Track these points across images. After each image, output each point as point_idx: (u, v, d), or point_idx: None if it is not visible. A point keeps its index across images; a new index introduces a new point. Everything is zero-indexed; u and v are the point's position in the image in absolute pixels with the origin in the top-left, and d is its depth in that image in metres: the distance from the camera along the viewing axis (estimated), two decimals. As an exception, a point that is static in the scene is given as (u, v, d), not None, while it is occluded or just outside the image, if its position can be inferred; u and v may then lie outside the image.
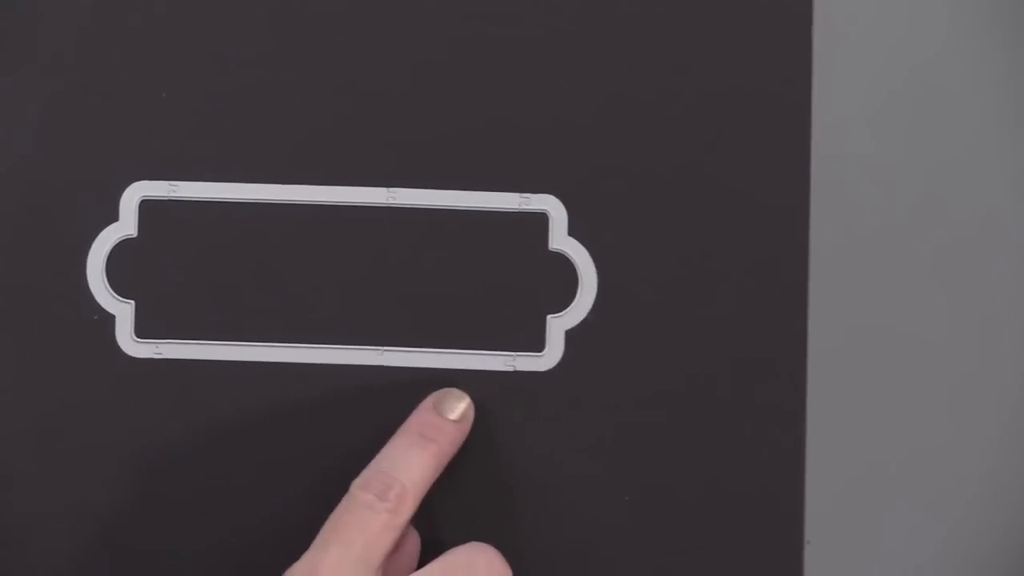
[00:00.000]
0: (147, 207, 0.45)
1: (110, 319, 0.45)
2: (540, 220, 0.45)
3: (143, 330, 0.45)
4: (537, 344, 0.45)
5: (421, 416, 0.44)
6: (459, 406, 0.44)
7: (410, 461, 0.42)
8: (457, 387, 0.45)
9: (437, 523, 0.45)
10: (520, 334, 0.45)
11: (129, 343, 0.45)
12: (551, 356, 0.45)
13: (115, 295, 0.45)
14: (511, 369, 0.45)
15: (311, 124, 0.46)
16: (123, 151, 0.45)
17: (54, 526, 0.45)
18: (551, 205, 0.45)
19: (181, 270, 0.45)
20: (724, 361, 0.45)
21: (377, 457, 0.43)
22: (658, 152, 0.46)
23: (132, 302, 0.45)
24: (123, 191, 0.45)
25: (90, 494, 0.45)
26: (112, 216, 0.45)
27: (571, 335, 0.45)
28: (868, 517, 0.46)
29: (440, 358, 0.45)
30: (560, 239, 0.45)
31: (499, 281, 0.45)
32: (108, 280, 0.45)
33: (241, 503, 0.45)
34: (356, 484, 0.42)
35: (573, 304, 0.45)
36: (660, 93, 0.46)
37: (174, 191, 0.45)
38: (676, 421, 0.45)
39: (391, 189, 0.45)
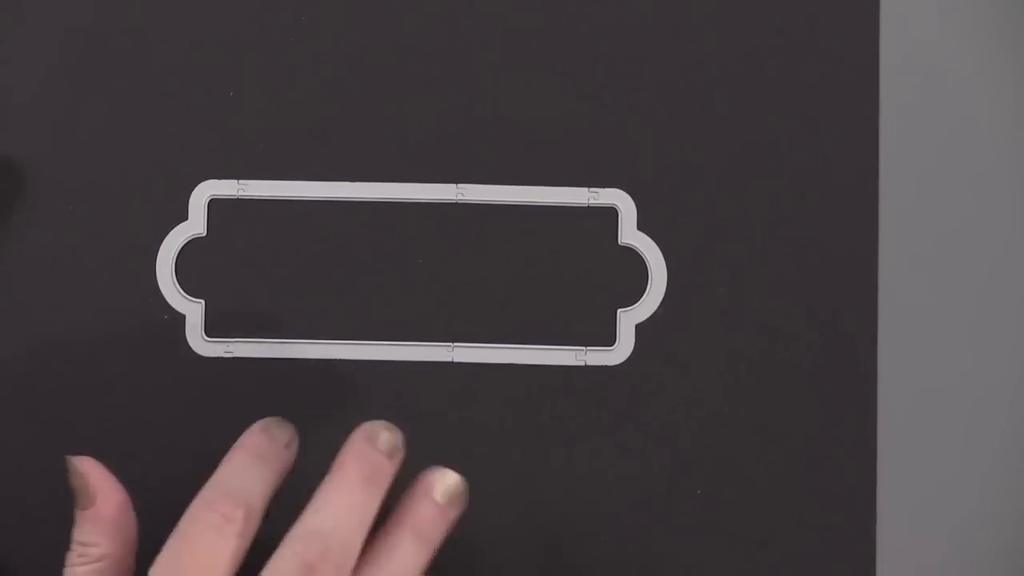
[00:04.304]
0: (216, 206, 0.46)
1: (180, 318, 0.45)
2: (609, 214, 0.46)
3: (213, 329, 0.45)
4: (608, 338, 0.45)
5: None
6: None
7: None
8: (528, 382, 0.45)
9: (507, 516, 0.45)
10: (590, 328, 0.45)
11: (199, 342, 0.45)
12: (622, 350, 0.45)
13: (185, 294, 0.45)
14: (582, 363, 0.45)
15: (379, 122, 0.46)
16: (192, 150, 0.46)
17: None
18: (620, 199, 0.46)
19: (250, 268, 0.45)
20: (794, 356, 0.45)
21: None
22: (725, 145, 0.46)
23: (202, 301, 0.45)
24: (192, 190, 0.46)
25: (161, 493, 0.44)
26: (181, 215, 0.45)
27: (641, 329, 0.45)
28: (940, 517, 0.46)
29: (510, 353, 0.45)
30: (630, 233, 0.45)
31: (569, 276, 0.45)
32: (178, 279, 0.45)
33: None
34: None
35: (643, 298, 0.45)
36: (727, 86, 0.46)
37: (243, 190, 0.46)
38: (747, 414, 0.45)
39: (459, 185, 0.46)
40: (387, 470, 0.39)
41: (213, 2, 0.46)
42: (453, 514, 0.39)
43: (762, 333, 0.45)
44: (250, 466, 0.39)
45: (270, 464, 0.40)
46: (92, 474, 0.40)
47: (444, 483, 0.40)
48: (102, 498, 0.40)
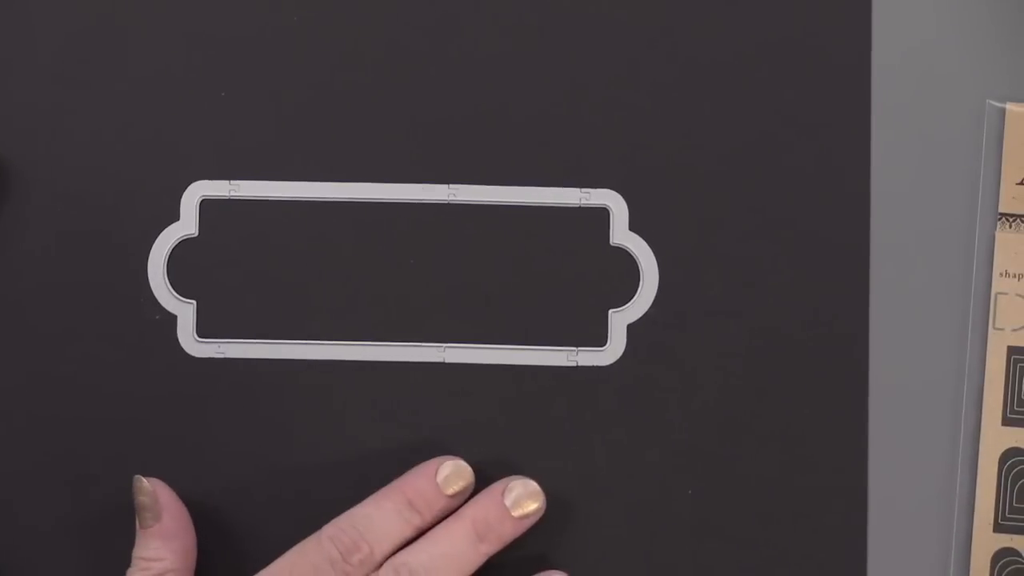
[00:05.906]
0: (207, 206, 0.46)
1: (171, 319, 0.45)
2: (601, 215, 0.46)
3: (205, 330, 0.45)
4: (599, 339, 0.45)
5: (419, 482, 0.42)
6: (460, 484, 0.43)
7: (388, 528, 0.41)
8: (519, 382, 0.45)
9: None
10: (582, 329, 0.45)
11: (191, 343, 0.45)
12: (613, 350, 0.45)
13: (176, 295, 0.45)
14: (573, 364, 0.45)
15: (371, 122, 0.46)
16: (183, 151, 0.46)
17: (118, 524, 0.45)
18: (612, 200, 0.46)
19: (242, 269, 0.45)
20: (785, 357, 0.45)
21: (358, 508, 0.42)
22: (717, 145, 0.46)
23: (193, 302, 0.45)
24: (183, 190, 0.46)
25: (153, 494, 0.45)
26: (173, 216, 0.45)
27: (633, 329, 0.45)
28: (932, 516, 0.46)
29: (502, 354, 0.45)
30: (621, 234, 0.45)
31: (560, 276, 0.45)
32: (169, 280, 0.45)
33: (303, 501, 0.45)
34: (328, 531, 0.41)
35: (635, 298, 0.45)
36: (718, 86, 0.46)
37: (234, 190, 0.46)
38: (738, 414, 0.45)
39: (451, 186, 0.46)
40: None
41: (205, 2, 0.46)
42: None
43: (754, 333, 0.45)
44: (393, 513, 0.41)
45: (419, 516, 0.42)
46: (160, 492, 0.43)
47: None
48: (168, 515, 0.42)
